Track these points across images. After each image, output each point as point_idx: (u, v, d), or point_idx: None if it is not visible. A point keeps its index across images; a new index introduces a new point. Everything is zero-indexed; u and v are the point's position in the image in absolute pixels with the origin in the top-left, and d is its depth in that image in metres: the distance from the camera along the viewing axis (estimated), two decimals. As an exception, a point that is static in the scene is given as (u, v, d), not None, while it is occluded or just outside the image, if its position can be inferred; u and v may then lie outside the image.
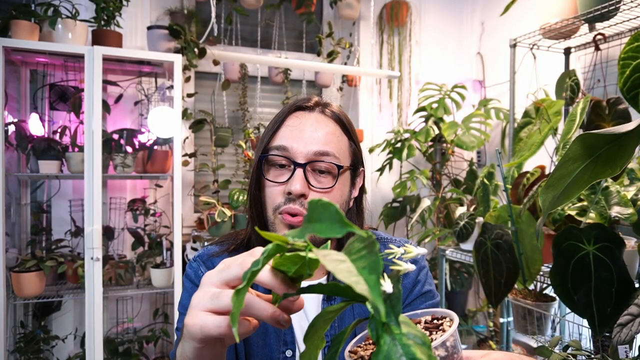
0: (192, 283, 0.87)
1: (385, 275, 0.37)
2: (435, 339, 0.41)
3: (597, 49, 1.91)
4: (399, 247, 0.95)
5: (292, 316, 0.47)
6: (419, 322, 0.47)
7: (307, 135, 0.79)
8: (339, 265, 0.32)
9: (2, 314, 1.85)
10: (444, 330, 0.43)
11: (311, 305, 0.84)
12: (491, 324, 2.68)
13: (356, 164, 0.86)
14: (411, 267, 0.41)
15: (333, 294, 0.41)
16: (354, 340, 0.46)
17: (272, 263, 0.42)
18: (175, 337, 0.79)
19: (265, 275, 0.43)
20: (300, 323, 0.83)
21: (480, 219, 1.73)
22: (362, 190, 0.91)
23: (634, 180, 1.23)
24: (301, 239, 0.35)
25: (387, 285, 0.35)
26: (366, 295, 0.28)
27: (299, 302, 0.46)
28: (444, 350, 0.40)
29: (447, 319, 0.46)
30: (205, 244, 2.26)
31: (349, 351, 0.44)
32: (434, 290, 0.89)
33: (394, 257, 0.42)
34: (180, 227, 2.11)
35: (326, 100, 0.87)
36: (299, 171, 0.77)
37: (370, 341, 0.46)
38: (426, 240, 2.41)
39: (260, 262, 0.37)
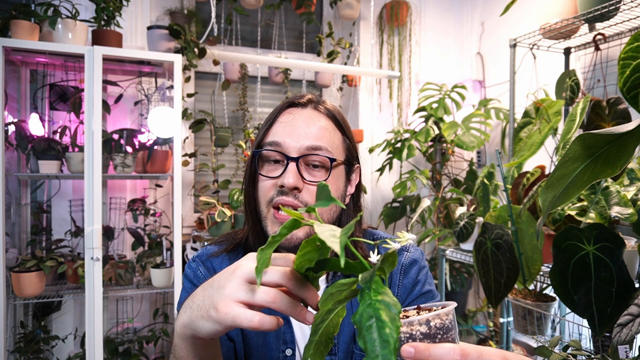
0: (191, 283, 0.87)
1: (377, 250, 0.49)
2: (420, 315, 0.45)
3: (597, 49, 1.91)
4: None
5: None
6: (418, 308, 0.49)
7: (299, 130, 0.80)
8: (329, 233, 0.41)
9: (2, 314, 1.85)
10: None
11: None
12: (491, 324, 2.68)
13: (351, 159, 0.87)
14: (397, 246, 0.47)
15: (335, 269, 0.47)
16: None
17: (297, 256, 0.48)
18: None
19: (279, 276, 0.49)
20: (299, 323, 0.83)
21: (480, 219, 1.73)
22: (360, 187, 0.91)
23: (634, 180, 1.23)
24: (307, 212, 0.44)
25: (373, 257, 0.45)
26: (335, 249, 0.38)
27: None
28: (427, 328, 0.43)
29: (439, 307, 0.48)
30: (205, 244, 2.26)
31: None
32: (434, 290, 0.89)
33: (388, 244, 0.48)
34: (180, 227, 2.11)
35: (320, 97, 0.88)
36: (292, 165, 0.78)
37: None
38: (426, 240, 2.41)
39: (280, 233, 0.44)
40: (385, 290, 0.41)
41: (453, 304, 0.47)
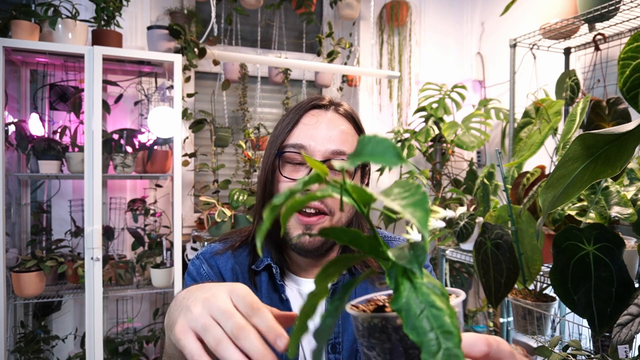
0: (193, 281, 0.86)
1: (413, 226, 0.37)
2: None
3: (597, 49, 1.91)
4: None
5: None
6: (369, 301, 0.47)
7: (323, 133, 0.80)
8: (392, 201, 0.33)
9: (2, 314, 1.85)
10: None
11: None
12: (491, 324, 2.68)
13: (366, 162, 0.88)
14: (417, 237, 0.42)
15: (343, 242, 0.40)
16: (356, 300, 0.46)
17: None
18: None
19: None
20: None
21: (480, 219, 1.73)
22: (367, 187, 0.91)
23: (634, 180, 1.23)
24: (352, 166, 0.35)
25: (415, 235, 0.39)
26: (418, 226, 0.30)
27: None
28: None
29: (454, 295, 0.46)
30: (205, 244, 2.26)
31: (352, 305, 0.44)
32: None
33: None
34: (180, 227, 2.11)
35: (338, 99, 0.89)
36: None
37: (373, 303, 0.46)
38: (426, 240, 2.41)
39: (301, 183, 0.36)
40: (425, 271, 0.36)
41: (462, 294, 0.45)
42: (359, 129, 0.86)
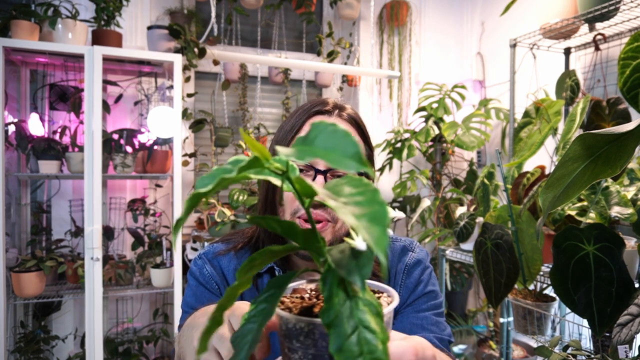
0: (196, 281, 0.86)
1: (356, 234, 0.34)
2: None
3: (597, 49, 1.91)
4: (404, 245, 0.94)
5: None
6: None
7: None
8: (344, 207, 0.29)
9: (2, 314, 1.85)
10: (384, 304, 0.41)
11: None
12: (491, 324, 2.68)
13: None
14: (363, 246, 0.35)
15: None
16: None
17: None
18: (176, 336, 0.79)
19: None
20: None
21: (480, 219, 1.73)
22: None
23: (634, 180, 1.23)
24: (301, 160, 0.30)
25: (359, 243, 0.33)
26: (373, 246, 0.25)
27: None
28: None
29: (385, 294, 0.43)
30: (206, 244, 2.26)
31: None
32: (437, 291, 0.89)
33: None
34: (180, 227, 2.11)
35: (341, 102, 0.87)
36: (320, 178, 0.77)
37: (298, 294, 0.43)
38: (426, 240, 2.41)
39: (237, 168, 0.30)
40: (366, 285, 0.32)
41: (396, 296, 0.41)
42: (363, 134, 0.85)
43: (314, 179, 0.77)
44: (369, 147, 0.87)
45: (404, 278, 0.87)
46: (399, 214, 0.53)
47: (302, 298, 0.43)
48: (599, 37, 1.87)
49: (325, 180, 0.77)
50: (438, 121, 2.71)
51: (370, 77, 3.03)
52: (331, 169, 0.78)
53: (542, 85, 2.16)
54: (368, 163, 0.29)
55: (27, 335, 2.10)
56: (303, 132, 0.81)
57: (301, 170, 0.79)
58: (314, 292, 0.44)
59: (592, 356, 1.04)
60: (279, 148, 0.32)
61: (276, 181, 0.34)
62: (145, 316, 2.45)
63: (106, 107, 2.13)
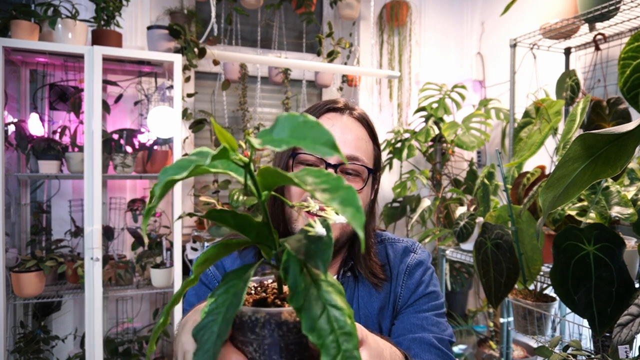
0: (199, 281, 0.86)
1: (317, 220, 0.36)
2: None
3: (597, 49, 1.90)
4: (406, 246, 0.94)
5: None
6: None
7: (338, 137, 0.81)
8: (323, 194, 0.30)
9: (2, 314, 1.85)
10: None
11: None
12: (491, 324, 2.67)
13: (377, 168, 0.89)
14: (342, 219, 0.38)
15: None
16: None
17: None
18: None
19: None
20: None
21: (480, 219, 1.73)
22: (376, 193, 0.92)
23: (634, 180, 1.23)
24: (278, 148, 0.31)
25: (319, 228, 0.35)
26: (354, 224, 0.27)
27: None
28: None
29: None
30: (206, 244, 2.26)
31: None
32: (438, 291, 0.89)
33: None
34: (180, 227, 2.11)
35: (352, 103, 0.89)
36: (331, 172, 0.77)
37: (250, 290, 0.44)
38: (426, 240, 2.41)
39: (210, 157, 0.32)
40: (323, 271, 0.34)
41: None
42: (372, 133, 0.87)
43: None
44: (377, 147, 0.88)
45: (405, 279, 0.87)
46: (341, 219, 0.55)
47: (249, 293, 0.43)
48: (599, 37, 1.87)
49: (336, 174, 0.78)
50: (438, 121, 2.71)
51: (370, 77, 3.03)
52: (342, 163, 0.78)
53: (542, 85, 2.16)
54: (339, 148, 0.30)
55: (27, 335, 2.10)
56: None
57: (311, 165, 0.80)
58: (259, 287, 0.45)
59: (593, 356, 1.04)
60: (250, 138, 0.33)
61: (236, 175, 0.35)
62: (145, 316, 2.45)
63: (106, 107, 2.13)
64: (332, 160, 0.79)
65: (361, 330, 0.47)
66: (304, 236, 0.35)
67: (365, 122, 0.86)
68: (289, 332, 0.37)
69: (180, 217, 0.38)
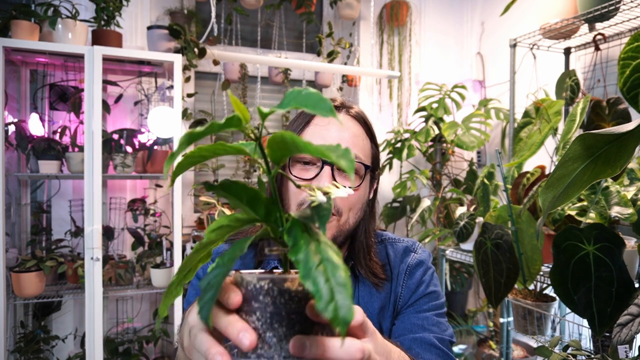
0: (198, 279, 0.86)
1: (317, 190, 0.42)
2: None
3: (597, 49, 1.91)
4: (407, 246, 0.94)
5: None
6: None
7: (334, 135, 0.80)
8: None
9: (2, 314, 1.85)
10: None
11: None
12: (491, 324, 2.68)
13: (375, 166, 0.88)
14: (343, 193, 0.44)
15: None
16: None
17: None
18: (176, 337, 0.79)
19: None
20: None
21: (480, 219, 1.73)
22: (376, 192, 0.91)
23: (634, 180, 1.23)
24: (283, 109, 0.34)
25: (319, 196, 0.39)
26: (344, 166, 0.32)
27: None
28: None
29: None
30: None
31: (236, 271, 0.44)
32: (439, 291, 0.89)
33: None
34: (180, 227, 2.11)
35: (349, 101, 0.89)
36: (327, 169, 0.78)
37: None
38: (426, 240, 2.42)
39: (225, 120, 0.35)
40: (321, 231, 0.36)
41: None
42: (370, 132, 0.87)
43: (321, 169, 0.78)
44: (375, 146, 0.88)
45: (405, 279, 0.87)
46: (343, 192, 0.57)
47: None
48: (599, 37, 1.87)
49: (332, 172, 0.78)
50: (438, 121, 2.71)
51: (370, 77, 3.03)
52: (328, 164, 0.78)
53: (542, 85, 2.16)
54: (335, 111, 0.32)
55: (27, 335, 2.10)
56: (311, 126, 0.82)
57: (308, 163, 0.80)
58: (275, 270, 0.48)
59: (592, 356, 1.04)
60: (259, 107, 0.36)
61: (248, 149, 0.39)
62: (145, 316, 2.45)
63: (106, 107, 2.13)
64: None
65: (372, 326, 0.48)
66: (307, 207, 0.39)
67: (362, 121, 0.86)
68: (291, 300, 0.38)
69: (194, 187, 0.40)
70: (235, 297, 0.39)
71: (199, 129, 0.34)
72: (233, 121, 0.35)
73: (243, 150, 0.39)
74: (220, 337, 0.41)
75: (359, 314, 0.42)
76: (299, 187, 0.47)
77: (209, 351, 0.39)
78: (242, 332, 0.37)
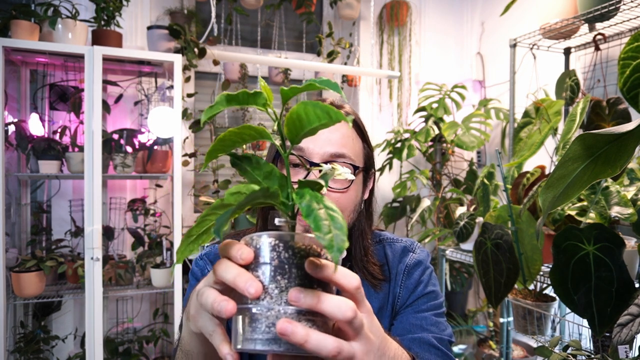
0: (198, 281, 0.86)
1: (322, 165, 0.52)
2: None
3: (597, 49, 1.91)
4: (405, 245, 0.94)
5: None
6: None
7: (323, 136, 0.79)
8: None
9: (2, 314, 1.85)
10: None
11: None
12: (491, 324, 2.68)
13: (368, 166, 0.87)
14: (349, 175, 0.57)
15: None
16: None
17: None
18: (177, 336, 0.79)
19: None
20: None
21: (480, 219, 1.73)
22: (372, 192, 0.91)
23: (634, 180, 1.23)
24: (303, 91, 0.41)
25: (325, 166, 0.49)
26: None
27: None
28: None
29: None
30: (206, 244, 2.25)
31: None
32: (438, 291, 0.89)
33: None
34: (180, 227, 2.11)
35: (340, 101, 0.88)
36: (315, 171, 0.77)
37: None
38: (426, 240, 2.42)
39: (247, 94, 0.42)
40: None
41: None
42: (361, 132, 0.85)
43: (308, 172, 0.78)
44: (368, 146, 0.87)
45: (404, 279, 0.87)
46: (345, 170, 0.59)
47: None
48: (599, 37, 1.87)
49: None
50: (438, 121, 2.71)
51: (370, 77, 3.03)
52: (327, 162, 0.78)
53: (542, 85, 2.16)
54: (342, 91, 0.39)
55: (27, 335, 2.10)
56: None
57: (297, 165, 0.80)
58: None
59: (592, 356, 1.04)
60: (282, 88, 0.42)
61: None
62: (145, 316, 2.45)
63: (106, 107, 2.13)
64: (317, 159, 0.78)
65: (369, 305, 0.48)
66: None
67: (352, 121, 0.86)
68: (294, 256, 0.42)
69: (208, 161, 0.46)
70: (247, 253, 0.42)
71: (232, 93, 0.41)
72: (261, 96, 0.41)
73: (267, 134, 0.44)
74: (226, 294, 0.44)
75: (356, 278, 0.44)
76: (308, 169, 0.51)
77: (215, 300, 0.42)
78: (249, 281, 0.40)
